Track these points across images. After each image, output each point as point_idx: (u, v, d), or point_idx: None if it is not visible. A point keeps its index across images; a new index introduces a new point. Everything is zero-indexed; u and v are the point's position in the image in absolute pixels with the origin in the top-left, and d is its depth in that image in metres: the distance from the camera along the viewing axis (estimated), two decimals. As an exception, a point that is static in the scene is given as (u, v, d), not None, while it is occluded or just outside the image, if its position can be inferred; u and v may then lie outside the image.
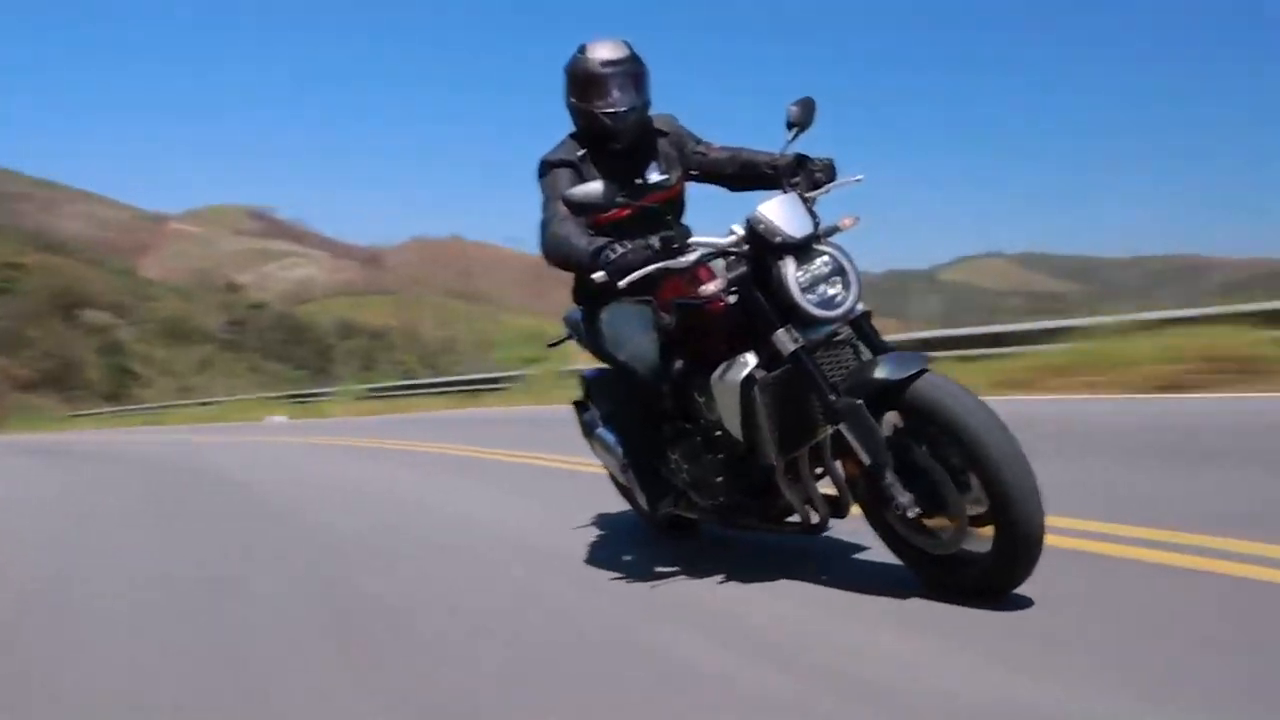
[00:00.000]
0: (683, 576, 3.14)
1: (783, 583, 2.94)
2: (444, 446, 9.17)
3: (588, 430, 3.79)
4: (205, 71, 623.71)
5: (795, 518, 2.97)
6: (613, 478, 3.89)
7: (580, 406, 3.88)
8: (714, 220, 3.00)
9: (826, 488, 2.89)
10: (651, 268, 2.80)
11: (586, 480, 5.27)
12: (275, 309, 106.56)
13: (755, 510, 3.08)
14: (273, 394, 33.82)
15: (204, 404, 35.17)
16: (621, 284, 2.79)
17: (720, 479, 3.05)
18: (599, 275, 2.81)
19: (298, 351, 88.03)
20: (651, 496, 3.35)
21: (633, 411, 3.34)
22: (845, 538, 3.23)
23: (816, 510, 2.88)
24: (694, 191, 3.45)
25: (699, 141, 3.42)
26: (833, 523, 2.92)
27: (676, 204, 3.38)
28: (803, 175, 3.01)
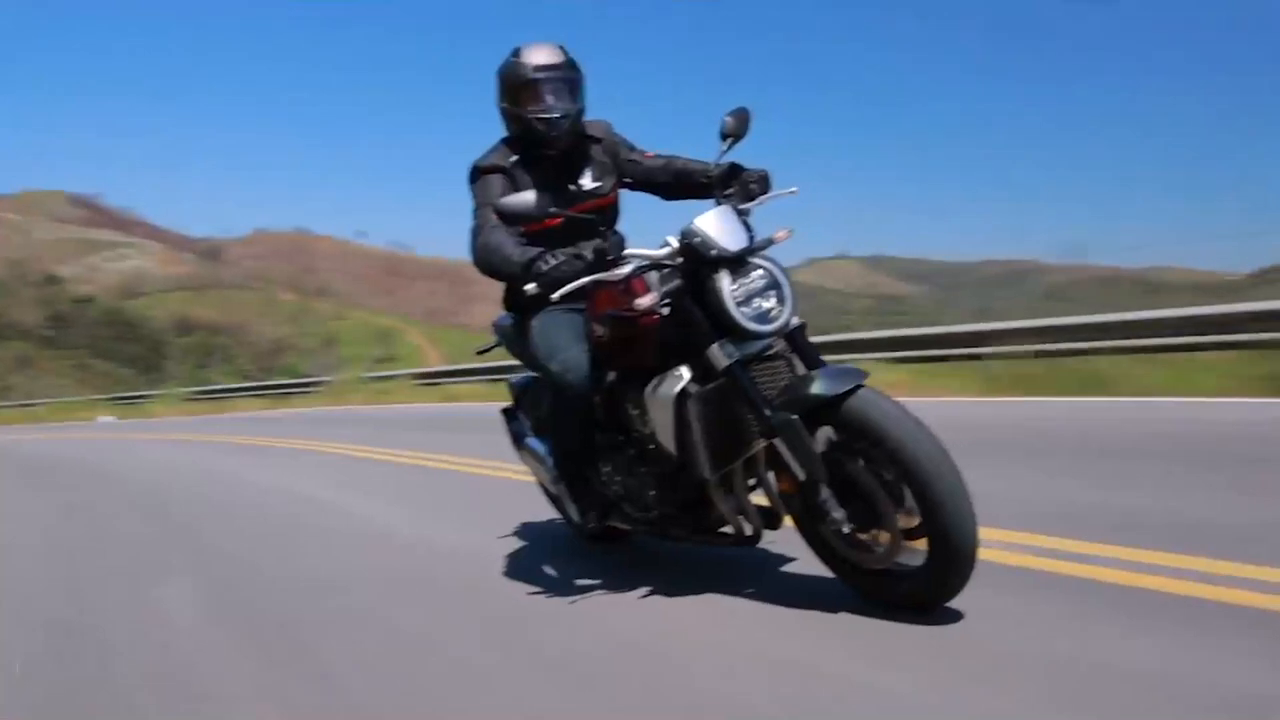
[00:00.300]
0: (602, 590, 3.09)
1: (709, 596, 2.91)
2: (282, 440, 10.87)
3: (517, 440, 3.70)
4: (22, 47, 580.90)
5: (729, 529, 2.93)
6: (543, 487, 3.80)
7: (509, 415, 3.79)
8: (649, 228, 2.97)
9: (760, 498, 2.88)
10: (584, 280, 2.75)
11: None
12: (103, 303, 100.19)
13: (688, 522, 3.03)
14: (99, 395, 33.01)
15: (25, 405, 33.33)
16: (554, 297, 2.75)
17: (653, 492, 3.01)
18: (531, 287, 2.76)
19: (129, 349, 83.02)
20: (583, 508, 3.28)
21: (564, 422, 3.23)
22: (777, 549, 3.20)
23: (750, 522, 2.86)
24: (628, 199, 3.41)
25: (633, 149, 3.38)
26: (766, 534, 2.90)
27: (610, 212, 3.33)
28: (737, 186, 2.99)
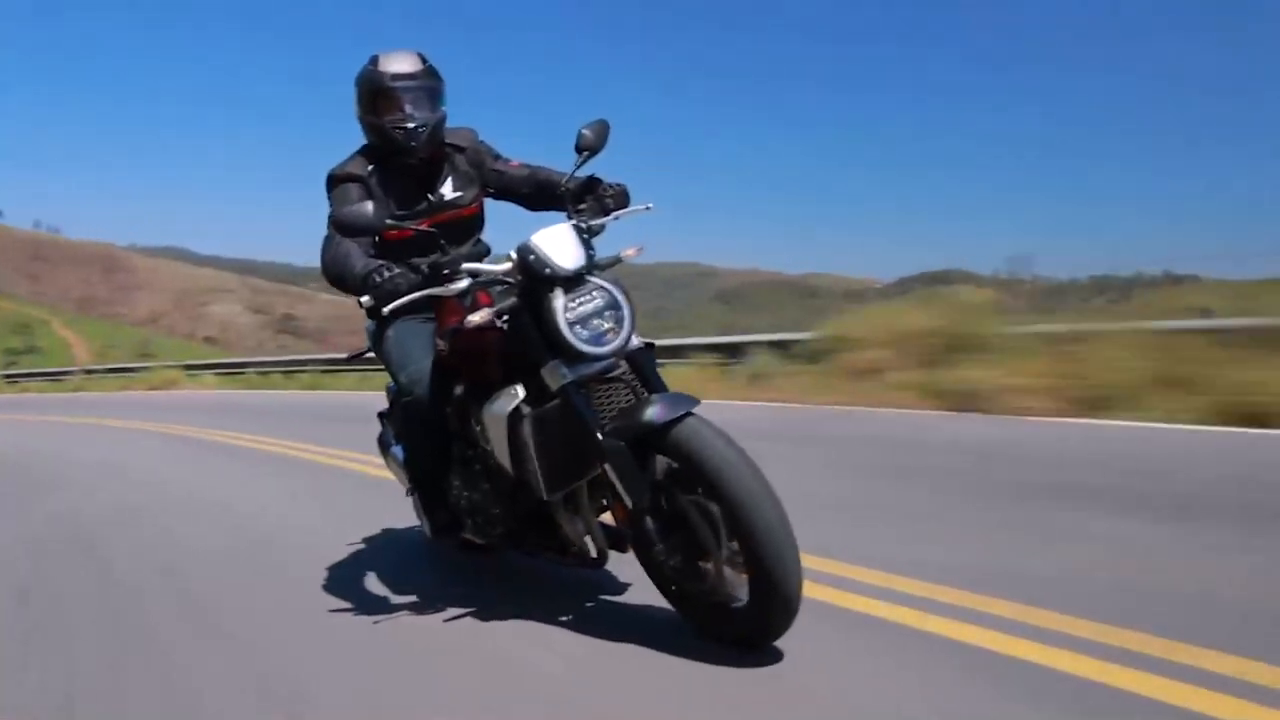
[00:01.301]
0: (406, 613, 3.04)
1: (525, 622, 2.84)
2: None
3: (383, 446, 3.63)
4: None
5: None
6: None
7: (382, 420, 3.70)
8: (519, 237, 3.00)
9: (610, 518, 2.86)
10: (415, 295, 2.70)
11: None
12: None
13: (534, 539, 3.01)
14: None
15: None
16: (385, 310, 2.71)
17: (498, 509, 3.00)
18: (365, 300, 2.72)
19: None
20: (434, 521, 3.25)
21: (413, 433, 3.21)
22: (624, 574, 3.11)
23: (596, 543, 2.84)
24: (500, 209, 3.42)
25: (498, 158, 3.33)
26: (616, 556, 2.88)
27: (475, 221, 3.32)
28: (592, 200, 2.97)
